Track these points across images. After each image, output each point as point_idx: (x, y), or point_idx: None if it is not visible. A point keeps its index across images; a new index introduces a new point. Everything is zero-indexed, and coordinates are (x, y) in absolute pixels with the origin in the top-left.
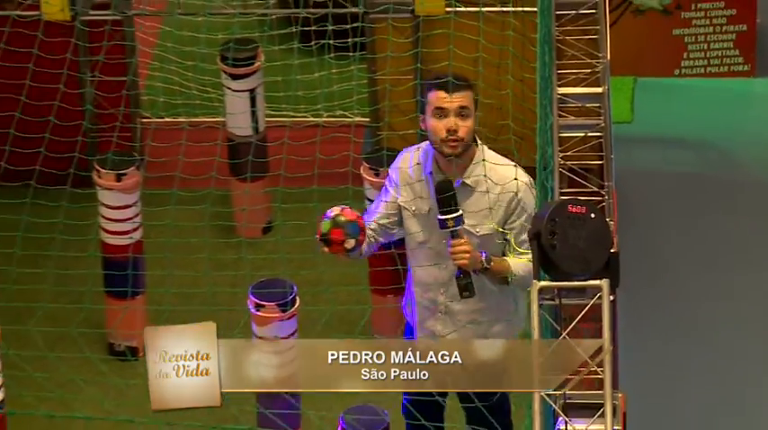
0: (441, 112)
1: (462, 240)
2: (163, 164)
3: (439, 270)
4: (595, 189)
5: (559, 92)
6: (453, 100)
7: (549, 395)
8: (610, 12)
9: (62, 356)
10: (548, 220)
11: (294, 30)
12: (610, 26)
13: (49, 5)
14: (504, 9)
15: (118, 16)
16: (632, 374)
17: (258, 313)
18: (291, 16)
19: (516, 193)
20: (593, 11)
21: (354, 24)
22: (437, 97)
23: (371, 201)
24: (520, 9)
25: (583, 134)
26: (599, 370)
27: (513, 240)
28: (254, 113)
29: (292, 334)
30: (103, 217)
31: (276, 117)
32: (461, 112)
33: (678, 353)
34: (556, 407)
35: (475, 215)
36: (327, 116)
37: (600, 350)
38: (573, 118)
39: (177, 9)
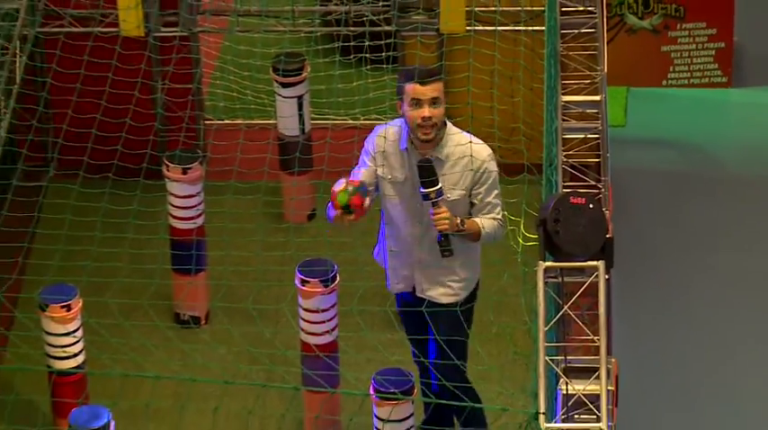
0: (416, 103)
1: (442, 209)
2: (222, 159)
3: (413, 227)
4: (593, 183)
5: (563, 99)
6: (426, 92)
7: (551, 360)
8: (607, 31)
9: (135, 324)
10: (552, 210)
11: (336, 45)
12: (607, 43)
13: (127, 23)
14: (517, 28)
15: (185, 33)
16: (624, 342)
17: (304, 288)
18: (334, 33)
19: (483, 163)
20: (593, 30)
21: (388, 41)
22: (413, 89)
23: None
24: (530, 28)
25: (583, 136)
26: (595, 338)
27: (479, 202)
28: (301, 116)
29: (333, 306)
30: (171, 205)
31: (320, 120)
32: (434, 102)
33: (664, 324)
34: (558, 370)
35: (447, 184)
36: (364, 119)
37: (597, 321)
38: (574, 122)
39: (236, 27)
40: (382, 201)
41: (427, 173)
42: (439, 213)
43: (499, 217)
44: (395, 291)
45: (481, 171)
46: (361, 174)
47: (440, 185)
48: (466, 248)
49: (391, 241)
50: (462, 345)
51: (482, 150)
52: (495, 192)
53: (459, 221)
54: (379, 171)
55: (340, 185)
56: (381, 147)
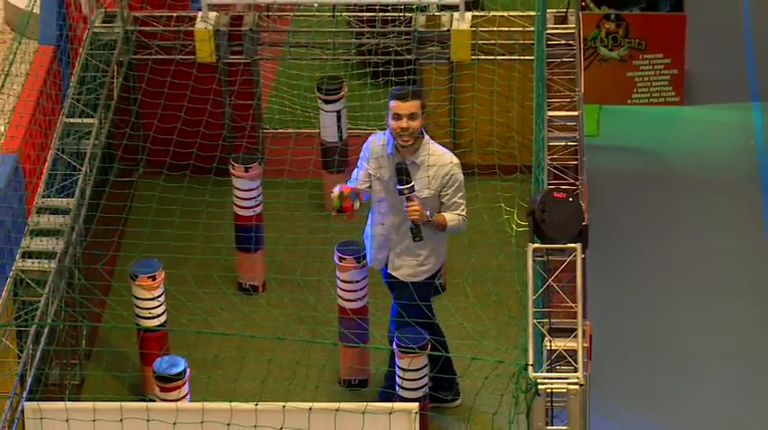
0: (397, 116)
1: (414, 202)
2: (277, 161)
3: (394, 217)
4: (572, 181)
5: (548, 114)
6: (406, 107)
7: (538, 322)
8: (583, 60)
9: (206, 291)
10: (539, 202)
11: (367, 70)
12: (583, 70)
13: (202, 52)
14: (512, 58)
15: (248, 60)
16: (596, 308)
17: (341, 263)
18: (366, 61)
19: (450, 170)
20: (572, 59)
21: (409, 67)
22: (395, 105)
23: None
24: (522, 58)
25: (564, 143)
26: (573, 305)
27: (447, 202)
28: (339, 127)
29: (364, 278)
30: (236, 196)
31: (354, 129)
32: (411, 116)
33: (628, 293)
34: (543, 331)
35: (420, 183)
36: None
37: (575, 292)
38: (557, 132)
39: (288, 55)
40: (372, 196)
41: (402, 173)
42: (411, 206)
43: (463, 214)
44: (374, 267)
45: (448, 176)
46: (360, 175)
47: (412, 183)
48: (434, 239)
49: (377, 228)
50: (424, 310)
51: (450, 159)
52: (460, 193)
53: (428, 214)
54: (371, 170)
55: (336, 191)
56: (373, 152)
